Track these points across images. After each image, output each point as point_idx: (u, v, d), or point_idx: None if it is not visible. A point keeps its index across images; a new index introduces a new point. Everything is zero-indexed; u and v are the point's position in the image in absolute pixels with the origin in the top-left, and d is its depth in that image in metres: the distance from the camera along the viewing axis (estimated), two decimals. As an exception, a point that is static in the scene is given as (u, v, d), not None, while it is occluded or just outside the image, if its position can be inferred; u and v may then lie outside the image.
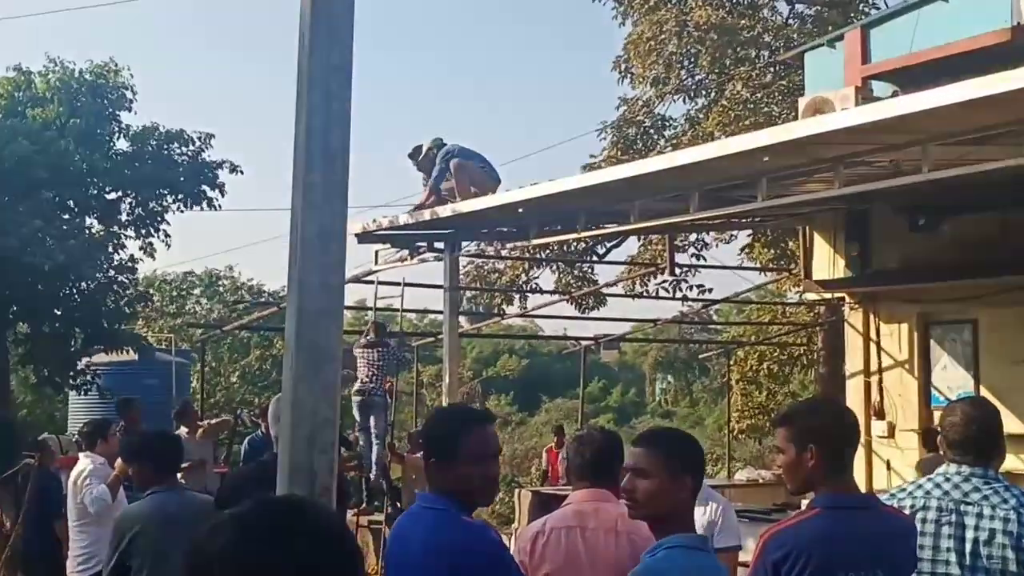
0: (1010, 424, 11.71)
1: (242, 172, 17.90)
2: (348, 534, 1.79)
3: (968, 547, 4.08)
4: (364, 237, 12.41)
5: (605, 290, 20.77)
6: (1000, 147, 7.73)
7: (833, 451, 3.79)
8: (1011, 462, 11.07)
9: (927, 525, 4.16)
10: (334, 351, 3.53)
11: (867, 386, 13.08)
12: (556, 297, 20.55)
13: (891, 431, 12.48)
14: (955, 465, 4.21)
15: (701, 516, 4.95)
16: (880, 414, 12.85)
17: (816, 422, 3.84)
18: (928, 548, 4.15)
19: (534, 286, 20.91)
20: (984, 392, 12.22)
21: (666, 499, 3.56)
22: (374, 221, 12.31)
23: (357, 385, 13.61)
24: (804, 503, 4.69)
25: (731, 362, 23.51)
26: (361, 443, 14.04)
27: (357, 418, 13.88)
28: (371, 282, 14.15)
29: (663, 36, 19.99)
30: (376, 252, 13.05)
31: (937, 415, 8.82)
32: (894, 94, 11.32)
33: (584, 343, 22.30)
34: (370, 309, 15.24)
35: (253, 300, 30.15)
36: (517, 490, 13.88)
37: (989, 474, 4.20)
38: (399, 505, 13.97)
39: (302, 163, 3.55)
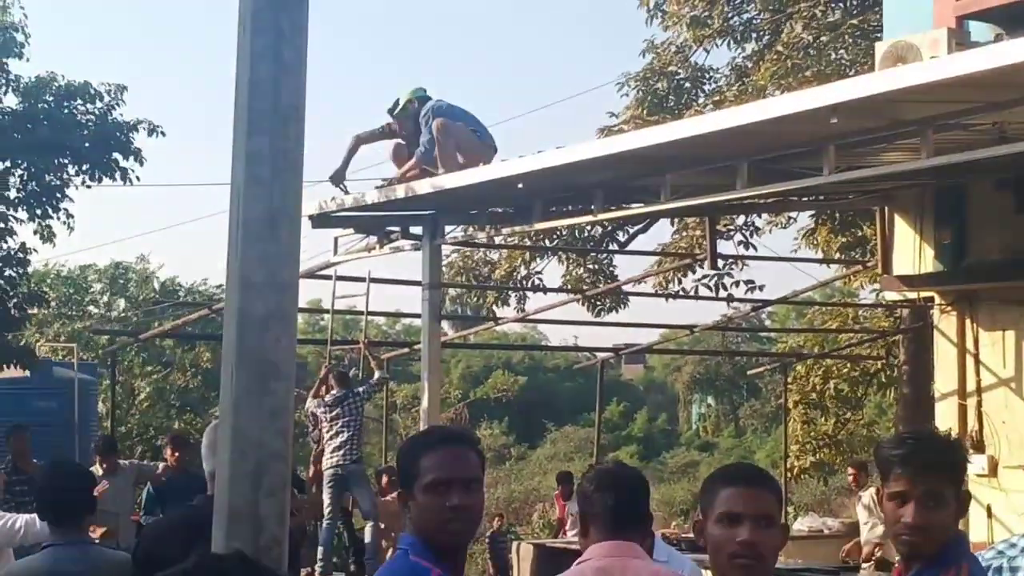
0: None
1: (163, 134, 17.83)
2: None
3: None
4: (320, 220, 12.42)
5: (627, 288, 20.78)
6: None
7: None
8: None
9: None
10: (285, 366, 3.54)
11: (962, 410, 13.11)
12: (565, 296, 20.52)
13: (993, 468, 12.51)
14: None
15: None
16: (979, 446, 12.87)
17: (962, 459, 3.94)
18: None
19: (536, 282, 20.90)
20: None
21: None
22: (333, 199, 12.32)
23: (328, 459, 13.59)
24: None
25: (788, 380, 23.50)
26: (343, 532, 14.03)
27: (328, 501, 13.86)
28: (329, 277, 14.17)
29: (705, -36, 20.05)
30: (336, 239, 13.09)
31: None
32: (997, 38, 11.34)
33: (601, 355, 22.29)
34: (327, 312, 15.27)
35: (176, 300, 30.20)
36: (516, 543, 13.92)
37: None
38: (362, 562, 13.98)
39: (244, 126, 3.55)
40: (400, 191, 11.62)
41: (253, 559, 2.12)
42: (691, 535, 15.55)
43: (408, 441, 4.18)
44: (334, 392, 13.69)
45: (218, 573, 1.74)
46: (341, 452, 13.62)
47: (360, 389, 13.89)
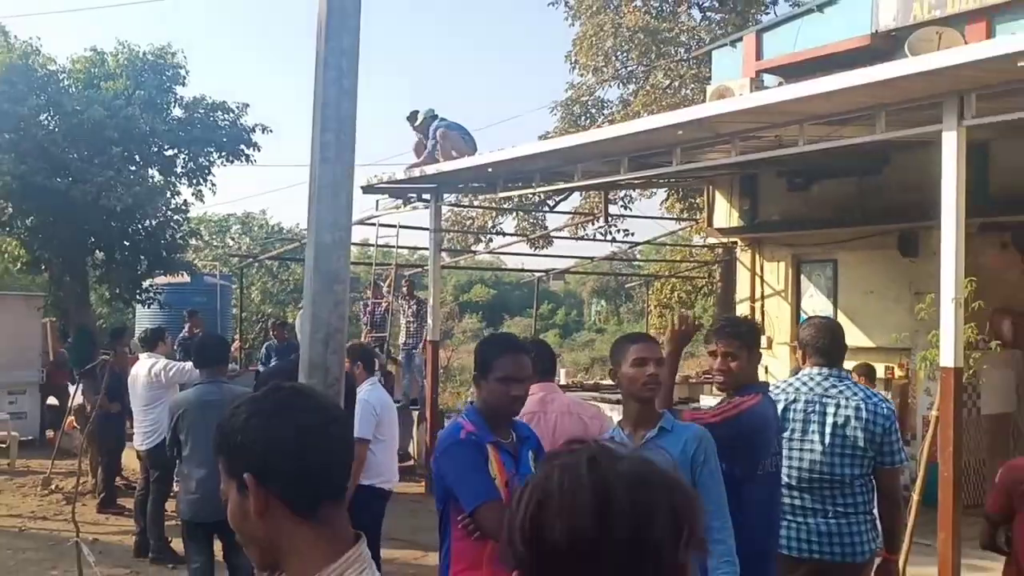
0: (862, 339, 11.95)
1: (271, 132, 17.78)
2: (340, 412, 1.82)
3: (828, 429, 4.18)
4: (368, 189, 12.31)
5: (554, 234, 20.86)
6: (856, 127, 7.78)
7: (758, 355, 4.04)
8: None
9: (797, 414, 4.23)
10: (343, 275, 3.53)
11: (752, 309, 13.23)
12: (516, 238, 20.58)
13: (770, 344, 12.66)
14: (816, 368, 4.28)
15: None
16: (761, 331, 13.01)
17: (755, 333, 3.99)
18: (798, 431, 4.22)
19: (500, 230, 21.03)
20: (840, 315, 12.41)
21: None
22: (375, 176, 12.22)
23: (405, 340, 13.83)
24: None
25: (649, 291, 23.60)
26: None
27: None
28: (373, 224, 14.07)
29: (602, 34, 19.85)
30: (377, 201, 12.98)
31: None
32: (779, 84, 11.31)
33: (537, 275, 22.31)
34: (372, 246, 15.16)
35: (279, 236, 29.91)
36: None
37: (841, 374, 4.29)
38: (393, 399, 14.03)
39: (319, 127, 3.52)
40: (417, 172, 11.53)
41: (308, 387, 2.10)
42: (586, 382, 15.74)
43: (485, 341, 3.82)
44: (414, 303, 14.00)
45: (281, 391, 1.76)
46: (412, 339, 13.88)
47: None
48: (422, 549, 8.63)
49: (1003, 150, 10.00)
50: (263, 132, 17.59)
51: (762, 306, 13.18)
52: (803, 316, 12.45)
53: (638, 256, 31.28)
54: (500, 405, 3.46)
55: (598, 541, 1.09)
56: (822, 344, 4.29)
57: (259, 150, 17.55)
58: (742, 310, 13.44)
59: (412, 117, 12.26)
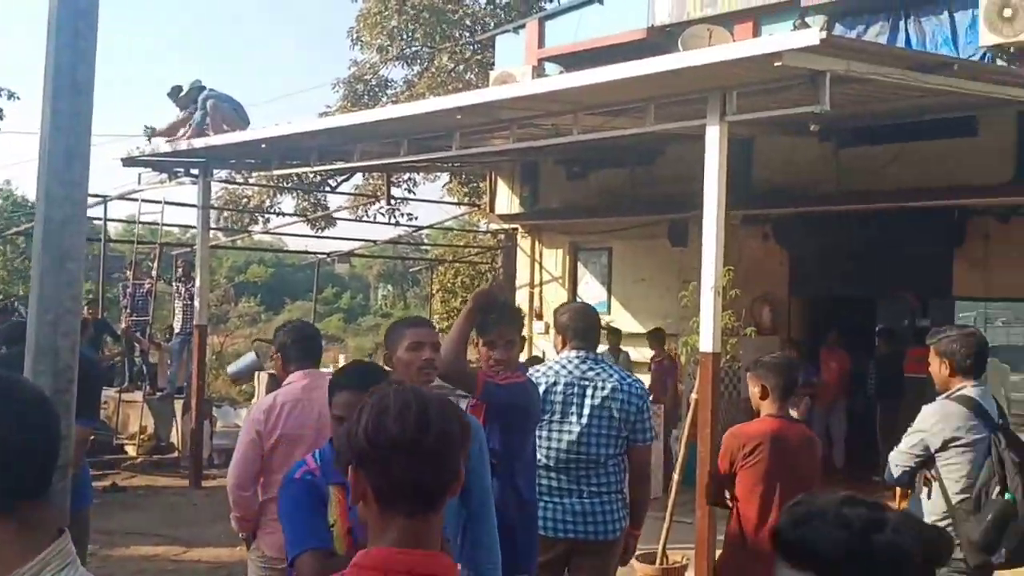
0: (634, 325, 12.50)
1: (19, 98, 16.56)
2: (38, 401, 1.71)
3: (587, 411, 4.34)
4: (129, 162, 11.62)
5: (336, 214, 20.56)
6: (630, 118, 8.07)
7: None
8: (637, 353, 11.80)
9: (557, 395, 4.36)
10: (76, 252, 3.30)
11: (531, 295, 13.56)
12: (295, 219, 20.11)
13: (547, 328, 12.97)
14: (574, 351, 4.43)
15: None
16: (540, 316, 13.36)
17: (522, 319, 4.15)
18: (558, 413, 4.36)
19: (278, 209, 20.48)
20: (614, 302, 12.96)
21: None
22: (137, 148, 11.59)
23: (184, 324, 12.90)
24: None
25: (433, 276, 23.69)
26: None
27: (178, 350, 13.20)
28: (135, 199, 13.36)
29: (387, 12, 19.68)
30: (139, 175, 12.31)
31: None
32: (560, 73, 11.61)
33: (319, 256, 21.92)
34: (136, 223, 14.38)
35: (26, 212, 27.82)
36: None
37: (597, 357, 4.47)
38: (156, 386, 13.42)
39: (50, 93, 3.27)
40: (183, 144, 11.02)
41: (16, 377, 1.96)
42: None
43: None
44: (191, 285, 12.95)
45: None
46: (189, 324, 12.88)
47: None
48: (183, 545, 8.31)
49: (766, 146, 10.72)
50: (9, 98, 16.38)
51: (540, 292, 13.54)
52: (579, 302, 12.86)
53: (426, 240, 31.39)
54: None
55: (420, 438, 1.66)
56: (579, 328, 4.45)
57: (2, 118, 16.35)
58: (522, 296, 13.75)
59: (175, 92, 11.70)
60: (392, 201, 17.62)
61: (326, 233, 20.58)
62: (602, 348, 11.32)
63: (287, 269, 54.88)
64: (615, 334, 11.58)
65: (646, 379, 11.52)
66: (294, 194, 20.45)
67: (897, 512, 1.25)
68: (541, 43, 13.03)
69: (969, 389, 4.23)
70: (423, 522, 1.68)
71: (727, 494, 4.57)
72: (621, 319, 12.58)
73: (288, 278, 53.10)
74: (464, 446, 1.76)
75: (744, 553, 4.43)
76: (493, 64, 14.42)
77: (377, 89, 20.40)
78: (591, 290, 13.18)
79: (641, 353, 11.97)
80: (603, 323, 12.11)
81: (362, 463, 1.69)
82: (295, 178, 18.11)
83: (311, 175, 17.66)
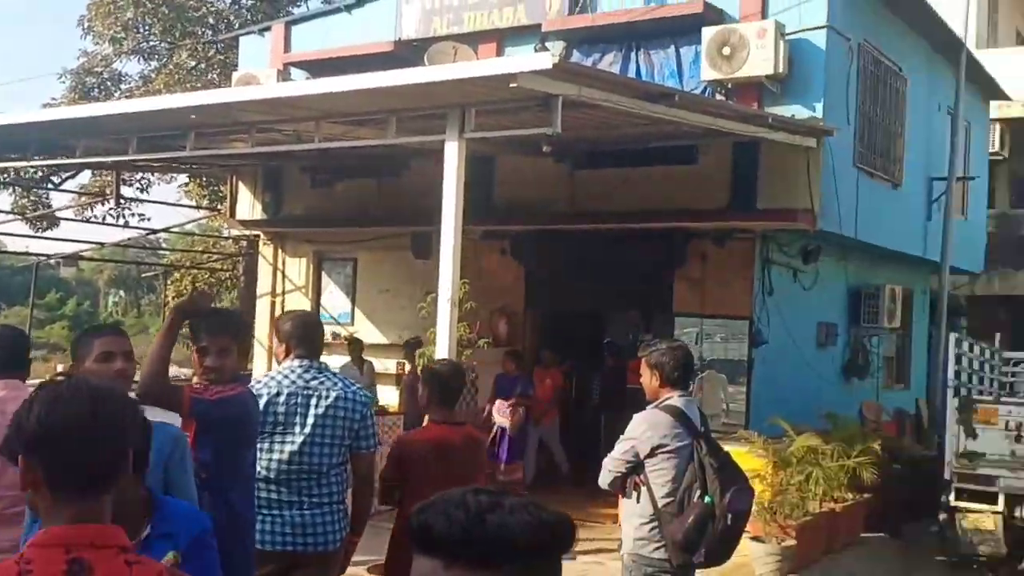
0: (378, 336, 12.53)
1: None
2: None
3: (311, 420, 4.30)
4: None
5: (59, 213, 19.19)
6: (371, 129, 8.13)
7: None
8: (380, 365, 11.81)
9: (280, 407, 4.29)
10: None
11: (273, 304, 13.28)
12: (12, 217, 18.55)
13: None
14: (297, 360, 4.39)
15: None
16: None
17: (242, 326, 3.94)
18: (281, 424, 4.29)
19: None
20: (358, 313, 12.94)
21: None
22: None
23: None
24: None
25: (168, 282, 22.64)
26: None
27: None
28: None
29: (122, 3, 18.68)
30: None
31: (328, 328, 9.20)
32: (307, 79, 11.49)
33: (39, 259, 20.36)
34: None
35: None
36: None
37: (321, 366, 4.45)
38: None
39: None
40: None
41: None
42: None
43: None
44: None
45: None
46: None
47: None
48: None
49: (508, 164, 11.07)
50: None
51: (283, 302, 13.27)
52: (323, 312, 12.74)
53: (163, 244, 29.96)
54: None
55: (91, 422, 1.76)
56: (302, 336, 4.41)
57: None
58: (263, 305, 13.44)
59: None
60: (122, 201, 16.66)
61: (48, 233, 19.20)
62: (345, 359, 11.30)
63: (4, 271, 50.64)
64: (356, 344, 11.56)
65: (393, 390, 11.59)
66: (11, 190, 18.92)
67: (519, 498, 1.33)
68: (287, 48, 12.83)
69: (676, 399, 4.58)
70: (95, 501, 1.79)
71: (398, 495, 4.65)
72: (365, 330, 12.57)
73: (6, 281, 48.97)
74: (133, 432, 1.87)
75: (407, 553, 4.51)
76: (237, 65, 14.03)
77: (110, 83, 19.28)
78: (335, 300, 13.09)
79: (383, 365, 12.01)
80: (346, 334, 12.19)
81: (34, 449, 1.77)
82: (12, 173, 16.79)
83: (32, 171, 16.44)
